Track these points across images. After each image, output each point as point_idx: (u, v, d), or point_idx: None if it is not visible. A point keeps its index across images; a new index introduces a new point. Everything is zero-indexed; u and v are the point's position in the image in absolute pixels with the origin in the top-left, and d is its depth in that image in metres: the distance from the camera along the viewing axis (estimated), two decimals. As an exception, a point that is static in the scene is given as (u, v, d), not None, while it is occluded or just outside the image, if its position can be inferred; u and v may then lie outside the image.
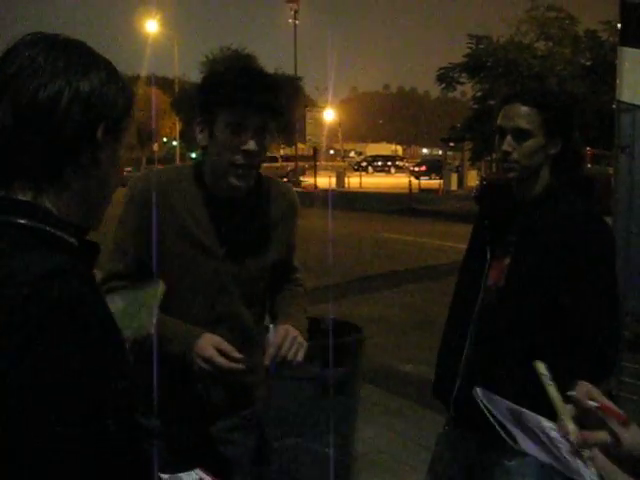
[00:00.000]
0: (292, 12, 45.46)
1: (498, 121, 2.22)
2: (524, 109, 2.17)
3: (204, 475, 1.66)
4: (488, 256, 2.28)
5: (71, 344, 0.94)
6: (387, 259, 13.19)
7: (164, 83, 65.45)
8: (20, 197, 1.04)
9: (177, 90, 44.95)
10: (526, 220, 2.21)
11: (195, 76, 42.45)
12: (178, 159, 46.84)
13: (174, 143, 50.92)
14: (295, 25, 45.23)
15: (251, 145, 1.97)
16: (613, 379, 3.53)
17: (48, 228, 1.03)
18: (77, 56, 1.07)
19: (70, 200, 1.08)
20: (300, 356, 2.01)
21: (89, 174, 1.09)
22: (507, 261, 2.21)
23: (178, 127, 46.96)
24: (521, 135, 2.17)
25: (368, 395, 5.63)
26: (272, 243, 2.19)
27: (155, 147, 68.74)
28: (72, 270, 1.00)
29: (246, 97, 1.94)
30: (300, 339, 2.03)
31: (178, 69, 50.21)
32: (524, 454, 2.15)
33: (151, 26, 47.65)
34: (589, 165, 17.46)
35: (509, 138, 2.19)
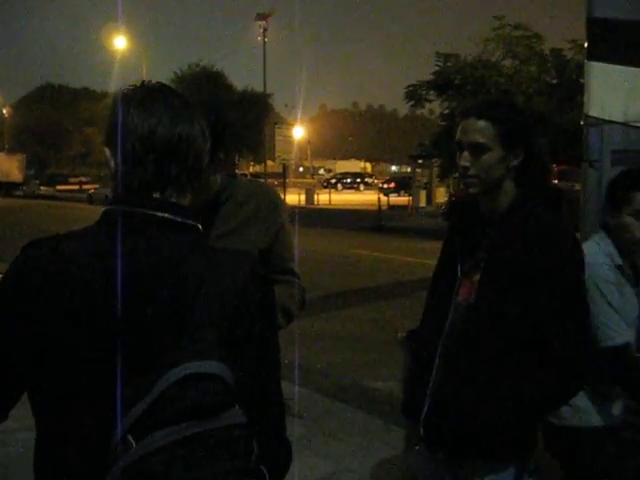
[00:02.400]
0: (261, 30, 45.51)
1: (457, 137, 2.20)
2: (479, 123, 2.14)
3: None
4: (458, 273, 2.25)
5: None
6: (357, 276, 13.16)
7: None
8: (172, 200, 1.39)
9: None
10: (495, 235, 2.18)
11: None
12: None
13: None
14: (264, 43, 45.30)
15: None
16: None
17: (199, 225, 1.42)
18: (193, 106, 1.45)
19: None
20: None
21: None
22: (477, 277, 2.17)
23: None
24: (478, 149, 2.14)
25: (338, 413, 5.58)
26: (243, 236, 2.26)
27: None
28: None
29: None
30: None
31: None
32: (496, 472, 2.13)
33: (120, 42, 47.40)
34: (555, 181, 17.64)
35: (466, 153, 2.16)
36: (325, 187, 54.23)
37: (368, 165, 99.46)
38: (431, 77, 25.38)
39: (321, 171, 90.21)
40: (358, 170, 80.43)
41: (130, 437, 1.16)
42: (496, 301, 2.10)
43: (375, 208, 27.67)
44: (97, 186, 48.94)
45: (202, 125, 1.43)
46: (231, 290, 1.31)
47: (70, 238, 1.38)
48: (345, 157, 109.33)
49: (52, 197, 48.82)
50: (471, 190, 2.18)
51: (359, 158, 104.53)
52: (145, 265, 1.32)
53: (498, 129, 2.13)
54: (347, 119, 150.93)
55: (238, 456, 1.18)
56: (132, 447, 1.15)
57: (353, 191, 61.25)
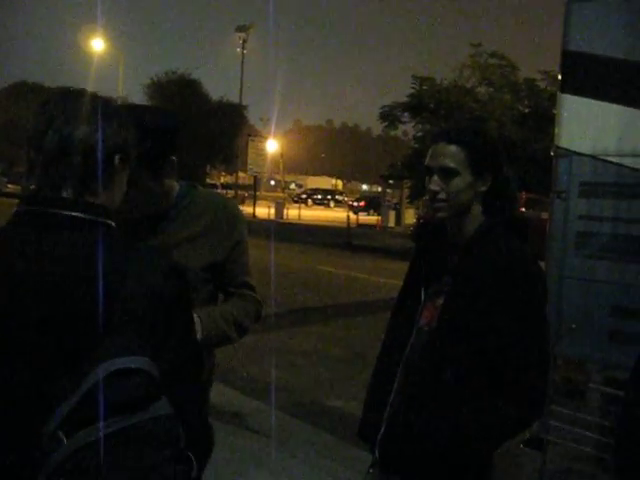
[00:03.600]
0: (241, 41, 45.59)
1: (426, 161, 2.21)
2: (449, 148, 2.16)
3: None
4: (422, 296, 2.25)
5: None
6: (322, 292, 13.14)
7: (106, 103, 64.42)
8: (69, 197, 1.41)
9: (119, 111, 44.17)
10: (460, 260, 2.19)
11: (138, 98, 42.01)
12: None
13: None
14: (243, 54, 45.36)
15: None
16: (539, 423, 3.53)
17: (109, 222, 1.44)
18: (98, 106, 1.46)
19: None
20: None
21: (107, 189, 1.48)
22: (440, 302, 2.17)
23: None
24: (447, 174, 2.15)
25: (297, 431, 5.55)
26: (196, 248, 2.26)
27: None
28: None
29: None
30: None
31: (122, 90, 49.58)
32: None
33: (97, 44, 47.09)
34: (523, 209, 17.86)
35: (436, 177, 2.17)
36: (296, 202, 54.27)
37: (339, 182, 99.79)
38: (406, 99, 25.62)
39: (292, 186, 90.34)
40: (329, 187, 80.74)
41: (60, 433, 1.21)
42: (458, 327, 2.10)
43: (344, 225, 27.73)
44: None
45: (109, 126, 1.46)
46: (151, 285, 1.37)
47: None
48: (317, 173, 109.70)
49: (19, 196, 48.12)
50: (439, 214, 2.19)
51: (331, 175, 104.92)
52: (56, 264, 1.35)
53: (468, 154, 2.14)
54: (321, 135, 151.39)
55: (167, 445, 1.25)
56: (63, 443, 1.19)
57: (323, 207, 61.34)
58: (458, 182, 2.14)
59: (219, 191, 47.05)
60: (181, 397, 1.36)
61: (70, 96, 1.47)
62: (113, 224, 1.45)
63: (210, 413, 5.31)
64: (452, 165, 2.14)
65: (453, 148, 2.15)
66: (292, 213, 39.88)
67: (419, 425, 2.10)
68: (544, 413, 2.27)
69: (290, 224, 32.78)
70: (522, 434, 3.39)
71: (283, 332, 9.11)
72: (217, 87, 45.99)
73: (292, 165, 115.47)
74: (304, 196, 66.08)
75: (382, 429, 2.20)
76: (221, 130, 38.40)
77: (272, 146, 48.07)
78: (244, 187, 49.84)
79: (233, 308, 2.37)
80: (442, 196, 2.16)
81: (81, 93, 1.49)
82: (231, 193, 46.21)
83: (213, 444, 1.51)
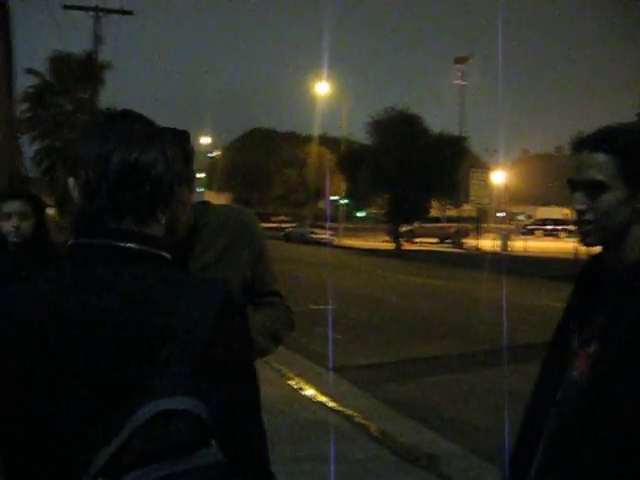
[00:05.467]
0: (459, 73, 45.36)
1: (571, 174, 1.83)
2: (595, 157, 1.75)
3: None
4: (574, 342, 1.88)
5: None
6: (540, 328, 12.36)
7: (333, 143, 67.21)
8: (131, 228, 1.33)
9: (342, 150, 45.76)
10: (617, 296, 1.77)
11: (360, 136, 43.15)
12: (342, 218, 47.51)
13: (343, 201, 51.91)
14: (462, 86, 45.05)
15: None
16: None
17: (164, 254, 1.36)
18: (157, 129, 1.40)
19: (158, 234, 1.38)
20: None
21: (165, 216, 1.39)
22: (594, 348, 1.78)
23: (343, 186, 47.71)
24: (594, 188, 1.75)
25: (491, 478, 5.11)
26: (225, 268, 2.20)
27: (321, 204, 70.44)
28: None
29: None
30: None
31: (345, 129, 51.31)
32: None
33: (322, 88, 49.27)
34: None
35: (580, 194, 1.79)
36: (523, 234, 52.38)
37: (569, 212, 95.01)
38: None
39: (521, 217, 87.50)
40: (560, 216, 77.14)
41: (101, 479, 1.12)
42: (612, 379, 1.70)
43: (572, 257, 26.14)
44: (295, 225, 50.95)
45: (167, 151, 1.37)
46: (202, 322, 1.25)
47: (33, 276, 1.34)
48: (546, 203, 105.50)
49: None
50: (588, 240, 1.81)
51: (561, 204, 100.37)
52: (108, 300, 1.26)
53: (620, 162, 1.74)
54: (550, 164, 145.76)
55: None
56: None
57: (552, 238, 58.62)
58: (609, 198, 1.75)
59: (441, 225, 47.09)
60: (237, 443, 1.25)
61: (127, 118, 1.39)
62: (169, 256, 1.37)
63: (400, 452, 5.09)
64: (599, 178, 1.75)
65: (600, 157, 1.75)
66: (518, 245, 38.49)
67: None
68: None
69: (514, 256, 31.59)
70: None
71: (494, 370, 8.65)
72: (437, 120, 45.99)
73: (520, 196, 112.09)
74: (533, 227, 63.73)
75: None
76: (442, 163, 38.19)
77: (499, 177, 46.99)
78: (469, 220, 49.06)
79: (266, 318, 2.30)
80: (589, 217, 1.78)
81: (136, 115, 1.42)
82: (454, 226, 45.74)
83: None
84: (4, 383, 1.27)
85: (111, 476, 1.10)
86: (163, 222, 1.40)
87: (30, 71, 41.89)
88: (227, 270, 2.22)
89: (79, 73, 40.32)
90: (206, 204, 2.33)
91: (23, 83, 41.83)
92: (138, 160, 1.32)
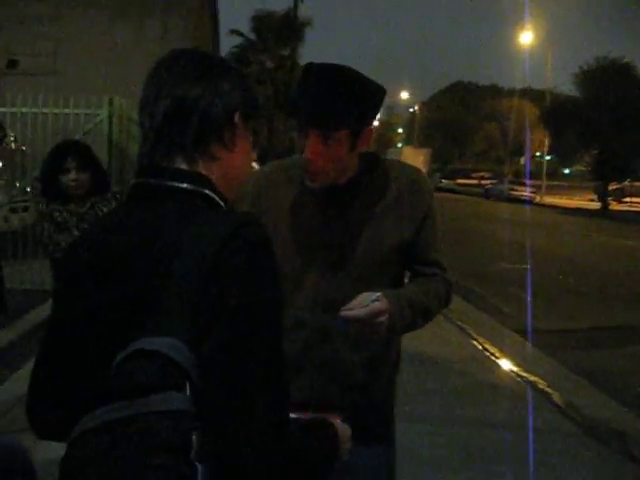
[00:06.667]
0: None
1: None
2: None
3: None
4: None
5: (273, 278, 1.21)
6: None
7: (537, 96, 64.15)
8: (181, 167, 1.32)
9: (547, 103, 43.36)
10: None
11: (567, 88, 40.70)
12: (544, 175, 45.43)
13: (547, 157, 49.54)
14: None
15: (306, 154, 1.98)
16: None
17: (207, 192, 1.31)
18: (214, 65, 1.37)
19: (216, 172, 1.34)
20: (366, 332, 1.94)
21: (230, 151, 1.36)
22: None
23: (547, 141, 45.43)
24: None
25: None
26: (384, 226, 2.10)
27: (522, 160, 67.79)
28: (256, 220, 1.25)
29: (301, 108, 1.95)
30: (380, 319, 1.90)
31: (550, 81, 48.67)
32: None
33: (525, 38, 46.99)
34: None
35: None
36: None
37: None
38: None
39: None
40: None
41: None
42: None
43: None
44: (495, 181, 49.47)
45: (221, 85, 1.35)
46: (202, 257, 1.17)
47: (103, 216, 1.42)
48: None
49: (450, 190, 50.91)
50: None
51: None
52: (131, 239, 1.28)
53: None
54: None
55: (159, 450, 1.01)
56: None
57: None
58: None
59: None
60: (223, 399, 1.12)
61: (180, 58, 1.37)
62: (213, 195, 1.33)
63: (584, 425, 4.73)
64: None
65: None
66: None
67: None
68: None
69: None
70: None
71: None
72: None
73: None
74: None
75: None
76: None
77: None
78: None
79: (420, 290, 2.12)
80: None
81: (192, 53, 1.40)
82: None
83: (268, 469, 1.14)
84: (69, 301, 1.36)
85: (89, 409, 1.09)
86: (236, 155, 1.38)
87: (234, 31, 43.83)
88: (386, 229, 2.11)
89: (280, 31, 41.47)
90: (372, 156, 2.22)
91: (228, 44, 43.74)
92: (184, 96, 1.31)
